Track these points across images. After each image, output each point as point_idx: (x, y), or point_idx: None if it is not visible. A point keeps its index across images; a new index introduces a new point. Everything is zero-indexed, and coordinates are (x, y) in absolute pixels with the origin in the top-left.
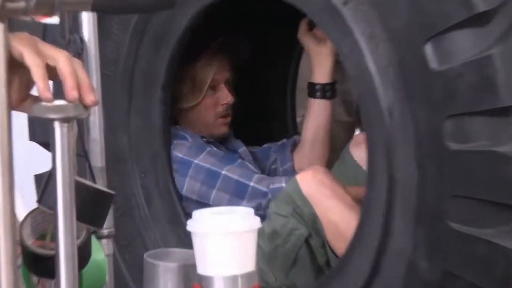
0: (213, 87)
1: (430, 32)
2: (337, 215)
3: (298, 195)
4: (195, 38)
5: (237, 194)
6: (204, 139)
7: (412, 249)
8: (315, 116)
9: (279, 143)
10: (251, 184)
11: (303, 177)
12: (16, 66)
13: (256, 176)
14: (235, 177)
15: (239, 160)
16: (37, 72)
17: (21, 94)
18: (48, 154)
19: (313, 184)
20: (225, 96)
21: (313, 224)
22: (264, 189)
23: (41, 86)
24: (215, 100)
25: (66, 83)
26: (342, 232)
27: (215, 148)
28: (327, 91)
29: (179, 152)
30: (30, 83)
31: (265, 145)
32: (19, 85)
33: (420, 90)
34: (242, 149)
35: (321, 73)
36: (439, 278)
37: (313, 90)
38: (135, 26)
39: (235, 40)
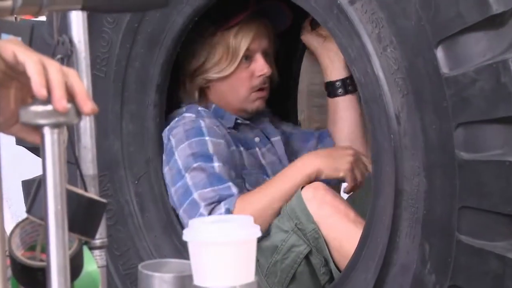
0: (249, 57)
1: (441, 35)
2: (341, 233)
3: (302, 211)
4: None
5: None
6: (237, 120)
7: (419, 264)
8: (346, 114)
9: (316, 131)
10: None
11: (305, 194)
12: (8, 78)
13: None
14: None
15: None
16: (33, 67)
17: (12, 111)
18: (37, 159)
19: (314, 202)
20: (261, 67)
21: (315, 241)
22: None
23: (36, 81)
24: (250, 71)
25: (54, 93)
26: (347, 250)
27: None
28: (348, 85)
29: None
30: (20, 98)
31: (304, 130)
32: (13, 99)
33: (430, 96)
34: (276, 138)
35: (336, 69)
36: None
37: (333, 88)
38: (128, 25)
39: (274, 5)
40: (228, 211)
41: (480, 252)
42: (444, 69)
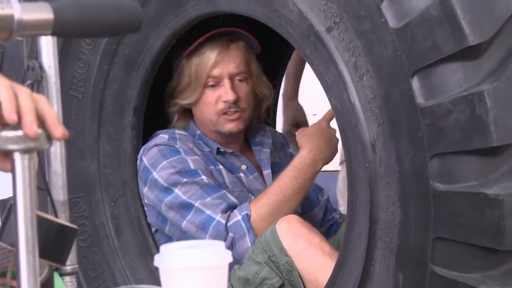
0: (215, 83)
1: (417, 65)
2: (316, 266)
3: (276, 244)
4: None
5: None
6: (213, 146)
7: None
8: None
9: None
10: (206, 212)
11: (279, 227)
12: None
13: (219, 206)
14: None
15: (204, 179)
16: (3, 92)
17: None
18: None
19: (289, 235)
20: (225, 93)
21: (288, 274)
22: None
23: (7, 106)
24: (216, 97)
25: (24, 118)
26: (322, 283)
27: (197, 161)
28: None
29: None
30: None
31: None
32: None
33: (406, 126)
34: (267, 171)
35: None
36: None
37: None
38: (106, 47)
39: (237, 31)
40: (247, 216)
41: (454, 283)
42: (420, 99)
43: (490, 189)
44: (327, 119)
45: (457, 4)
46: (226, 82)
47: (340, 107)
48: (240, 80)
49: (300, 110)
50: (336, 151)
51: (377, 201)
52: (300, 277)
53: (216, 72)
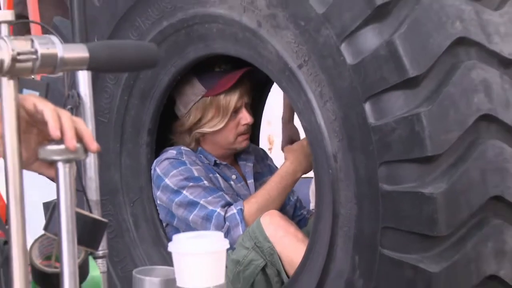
0: (236, 111)
1: (369, 93)
2: (292, 250)
3: (260, 233)
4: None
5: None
6: (211, 160)
7: (350, 271)
8: None
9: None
10: (208, 207)
11: (263, 220)
12: (29, 125)
13: (219, 202)
14: (192, 198)
15: (205, 183)
16: (49, 113)
17: (32, 149)
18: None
19: (271, 226)
20: (246, 118)
21: (270, 256)
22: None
23: (53, 125)
24: (237, 122)
25: (66, 135)
26: (296, 262)
27: (199, 170)
28: None
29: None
30: (39, 141)
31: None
32: (32, 139)
33: (360, 141)
34: (251, 181)
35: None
36: None
37: None
38: (126, 81)
39: (252, 70)
40: (241, 210)
41: (398, 262)
42: (371, 119)
43: (426, 189)
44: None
45: (399, 45)
46: (244, 110)
47: (309, 127)
48: (247, 106)
49: (295, 132)
50: (307, 169)
51: (338, 199)
52: (280, 259)
53: (239, 103)
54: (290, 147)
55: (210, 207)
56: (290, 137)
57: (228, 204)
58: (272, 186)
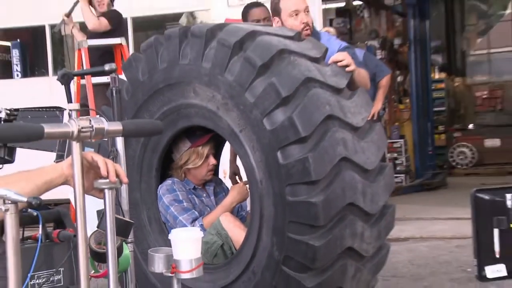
0: (207, 157)
1: (279, 145)
2: (238, 235)
3: (220, 226)
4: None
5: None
6: (191, 186)
7: (270, 247)
8: None
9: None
10: (186, 223)
11: (221, 218)
12: (88, 169)
13: (190, 218)
14: (175, 213)
15: (185, 204)
16: (101, 162)
17: (91, 183)
18: None
19: (226, 221)
20: (212, 161)
21: (226, 239)
22: (189, 225)
23: (103, 169)
24: (207, 163)
25: (110, 174)
26: (240, 242)
27: (183, 195)
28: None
29: (161, 190)
30: (94, 177)
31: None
32: (90, 177)
33: (275, 172)
34: (212, 198)
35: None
36: (282, 259)
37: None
38: (143, 141)
39: (215, 134)
40: (202, 225)
41: (298, 241)
42: (281, 160)
43: (312, 199)
44: (244, 182)
45: (296, 119)
46: (211, 157)
47: (246, 165)
48: (213, 154)
49: (237, 168)
50: (246, 197)
51: (263, 206)
52: (231, 240)
53: (209, 152)
54: (233, 186)
55: (184, 222)
56: (234, 171)
57: (195, 219)
58: (218, 209)
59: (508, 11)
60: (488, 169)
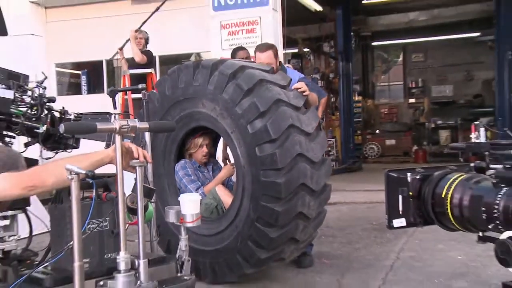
0: (201, 146)
1: (257, 143)
2: (227, 199)
3: (215, 192)
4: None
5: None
6: (197, 165)
7: (249, 210)
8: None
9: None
10: (192, 190)
11: (217, 188)
12: (126, 153)
13: (195, 187)
14: (186, 183)
15: (192, 177)
16: (134, 148)
17: (127, 162)
18: None
19: (219, 190)
20: (204, 150)
21: (219, 202)
22: (194, 191)
23: (135, 153)
24: (202, 150)
25: (140, 157)
26: (229, 204)
27: (192, 171)
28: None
29: (177, 167)
30: (130, 159)
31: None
32: (127, 159)
33: (254, 160)
34: (211, 173)
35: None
36: (256, 218)
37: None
38: (166, 135)
39: (213, 131)
40: (203, 192)
41: (267, 207)
42: (258, 153)
43: (277, 180)
44: (231, 164)
45: (269, 126)
46: (204, 146)
47: (234, 154)
48: (207, 145)
49: (227, 154)
50: (233, 173)
51: (244, 181)
52: (222, 203)
53: (203, 144)
54: (224, 166)
55: (191, 189)
56: (225, 157)
57: (199, 187)
58: (214, 181)
59: (400, 59)
60: (388, 158)
